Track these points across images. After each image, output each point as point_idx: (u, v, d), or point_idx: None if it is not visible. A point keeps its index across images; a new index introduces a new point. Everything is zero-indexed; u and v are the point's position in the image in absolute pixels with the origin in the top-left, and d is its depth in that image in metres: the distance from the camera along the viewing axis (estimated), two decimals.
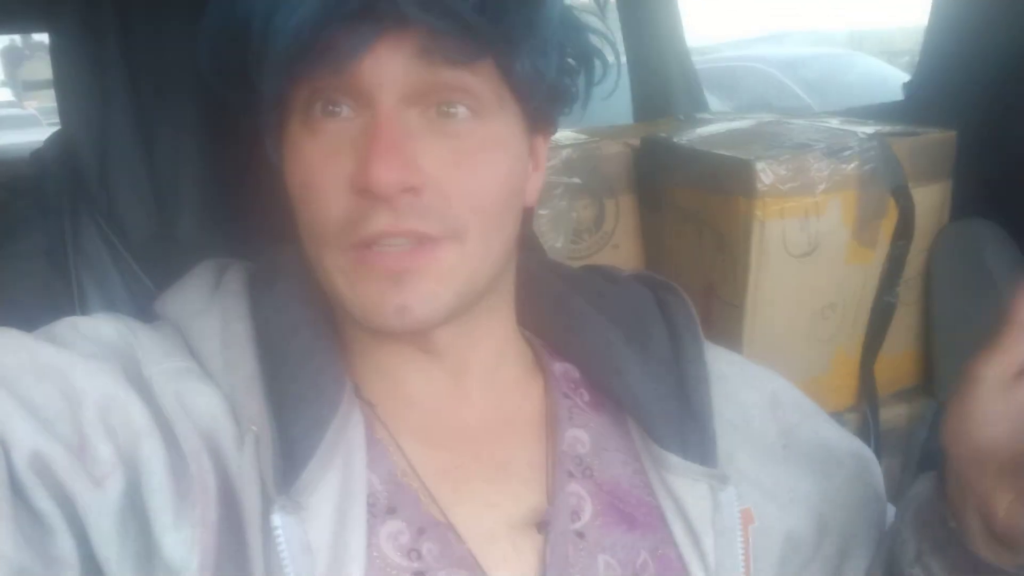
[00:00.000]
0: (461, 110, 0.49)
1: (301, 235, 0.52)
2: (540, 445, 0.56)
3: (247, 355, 0.50)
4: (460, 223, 0.49)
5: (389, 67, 0.47)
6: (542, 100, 0.53)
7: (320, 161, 0.49)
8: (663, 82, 1.79)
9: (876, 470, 0.65)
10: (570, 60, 0.54)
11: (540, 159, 0.58)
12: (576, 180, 1.04)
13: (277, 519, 0.45)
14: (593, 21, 0.55)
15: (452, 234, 0.49)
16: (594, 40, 0.55)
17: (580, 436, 0.57)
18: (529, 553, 0.51)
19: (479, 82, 0.49)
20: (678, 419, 0.56)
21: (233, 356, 0.50)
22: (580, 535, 0.53)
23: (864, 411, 1.03)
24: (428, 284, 0.49)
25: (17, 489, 0.42)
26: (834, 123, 1.07)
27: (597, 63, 0.55)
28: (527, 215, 0.60)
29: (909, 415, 1.06)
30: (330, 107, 0.49)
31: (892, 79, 3.54)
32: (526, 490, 0.54)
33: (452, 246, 0.49)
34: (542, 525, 0.52)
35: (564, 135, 1.11)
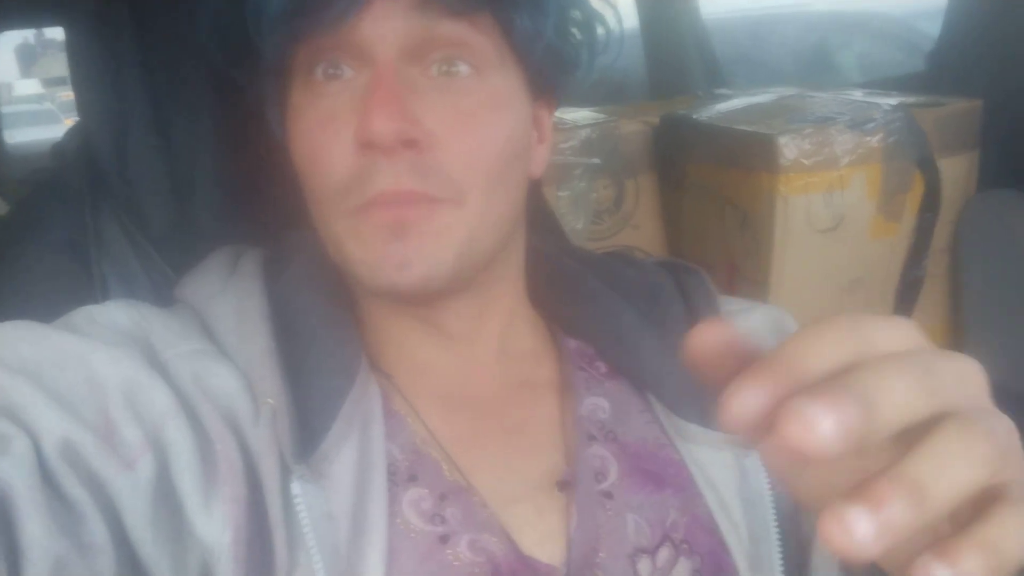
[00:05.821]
0: (463, 68, 0.49)
1: (309, 205, 0.52)
2: (557, 409, 0.56)
3: (261, 332, 0.50)
4: (461, 184, 0.49)
5: (388, 21, 0.47)
6: (542, 61, 0.52)
7: (323, 123, 0.49)
8: (679, 59, 1.77)
9: None
10: (572, 25, 0.54)
11: (545, 131, 0.58)
12: (595, 160, 1.03)
13: (297, 487, 0.45)
14: None
15: (453, 195, 0.49)
16: (597, 6, 0.55)
17: (600, 403, 0.57)
18: (552, 513, 0.51)
19: (479, 37, 0.49)
20: (697, 391, 0.56)
21: (248, 333, 0.50)
22: (608, 495, 0.52)
23: None
24: (428, 241, 0.49)
25: (48, 477, 0.42)
26: (857, 95, 1.05)
27: (601, 32, 0.55)
28: (535, 189, 0.59)
29: None
30: (331, 69, 0.49)
31: None
32: (545, 451, 0.54)
33: (451, 208, 0.49)
34: (563, 484, 0.52)
35: (582, 115, 1.10)
